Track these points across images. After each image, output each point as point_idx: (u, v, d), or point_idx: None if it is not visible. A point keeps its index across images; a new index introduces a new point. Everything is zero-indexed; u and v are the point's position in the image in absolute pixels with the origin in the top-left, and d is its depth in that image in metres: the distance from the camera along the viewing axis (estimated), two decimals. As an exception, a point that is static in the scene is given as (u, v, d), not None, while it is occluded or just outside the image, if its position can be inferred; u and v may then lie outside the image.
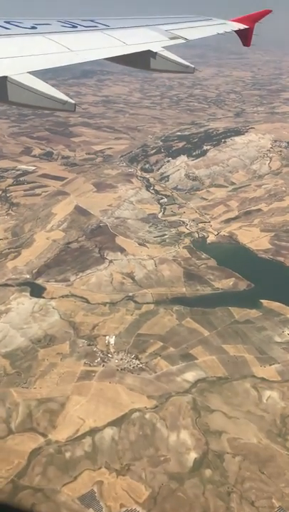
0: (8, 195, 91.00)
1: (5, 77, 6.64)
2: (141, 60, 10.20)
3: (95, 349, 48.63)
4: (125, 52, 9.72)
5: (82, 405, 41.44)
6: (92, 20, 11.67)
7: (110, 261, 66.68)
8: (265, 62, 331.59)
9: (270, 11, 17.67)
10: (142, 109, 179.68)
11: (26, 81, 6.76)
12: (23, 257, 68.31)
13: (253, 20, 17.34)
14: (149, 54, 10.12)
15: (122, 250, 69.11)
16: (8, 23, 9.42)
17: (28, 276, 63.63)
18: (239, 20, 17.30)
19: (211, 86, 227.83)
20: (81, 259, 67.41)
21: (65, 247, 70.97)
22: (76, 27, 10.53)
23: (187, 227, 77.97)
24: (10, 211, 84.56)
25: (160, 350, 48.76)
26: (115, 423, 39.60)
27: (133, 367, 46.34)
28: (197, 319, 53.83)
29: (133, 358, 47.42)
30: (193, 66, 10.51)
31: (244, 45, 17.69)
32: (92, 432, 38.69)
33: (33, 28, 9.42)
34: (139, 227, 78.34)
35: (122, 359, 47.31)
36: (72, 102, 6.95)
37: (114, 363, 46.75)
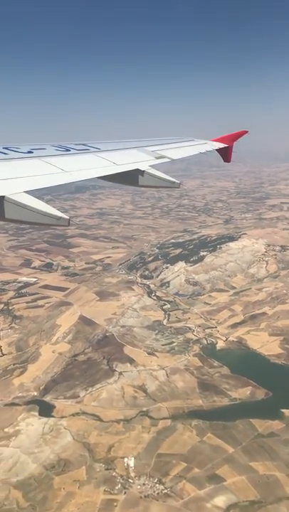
0: (10, 308, 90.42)
1: (2, 197, 7.00)
2: (130, 178, 10.90)
3: (113, 474, 45.01)
4: (115, 172, 10.37)
5: None
6: (84, 144, 12.51)
7: (120, 373, 64.53)
8: (246, 173, 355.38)
9: (246, 132, 19.10)
10: (136, 219, 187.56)
11: (22, 199, 7.10)
12: (29, 372, 65.89)
13: (231, 139, 18.72)
14: (137, 172, 10.87)
15: (132, 361, 67.26)
16: (6, 148, 10.09)
17: (35, 394, 60.82)
18: (219, 140, 18.61)
19: (197, 196, 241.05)
20: (90, 373, 65.15)
21: (72, 360, 68.97)
22: (69, 150, 11.28)
23: (194, 333, 77.10)
24: (13, 324, 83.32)
25: (184, 471, 45.26)
26: None
27: (157, 493, 42.60)
28: (219, 434, 50.81)
29: (156, 483, 43.78)
30: (178, 182, 11.09)
31: (225, 161, 18.85)
32: None
33: (29, 152, 10.09)
34: (145, 335, 77.25)
35: (144, 484, 43.62)
36: (66, 217, 7.20)
37: (136, 490, 42.98)
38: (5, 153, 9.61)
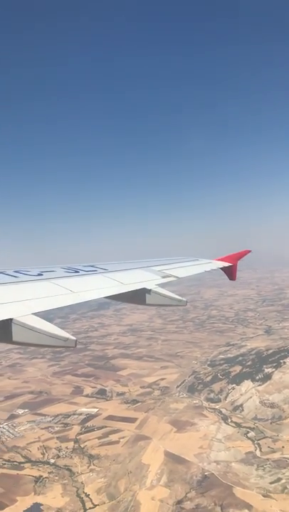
0: (82, 445, 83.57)
1: (10, 319, 7.02)
2: (137, 297, 11.09)
3: None
4: (122, 291, 10.61)
5: None
6: (92, 266, 13.01)
7: (241, 523, 57.22)
8: (259, 279, 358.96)
9: (249, 251, 19.76)
10: (171, 334, 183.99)
11: (30, 321, 7.11)
12: (136, 528, 58.41)
13: (235, 258, 19.04)
14: (144, 291, 11.11)
15: (249, 507, 60.14)
16: (17, 272, 10.44)
17: None
18: (223, 259, 18.84)
19: (224, 306, 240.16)
20: (206, 525, 57.77)
21: (178, 509, 61.67)
22: (78, 272, 11.69)
23: (298, 466, 70.27)
24: (92, 466, 76.17)
25: None
26: None
27: None
28: None
29: None
30: (185, 300, 11.25)
31: (230, 279, 18.93)
32: None
33: (39, 275, 10.43)
34: (246, 471, 70.25)
35: None
36: (73, 338, 7.07)
37: None
38: (15, 277, 9.86)
